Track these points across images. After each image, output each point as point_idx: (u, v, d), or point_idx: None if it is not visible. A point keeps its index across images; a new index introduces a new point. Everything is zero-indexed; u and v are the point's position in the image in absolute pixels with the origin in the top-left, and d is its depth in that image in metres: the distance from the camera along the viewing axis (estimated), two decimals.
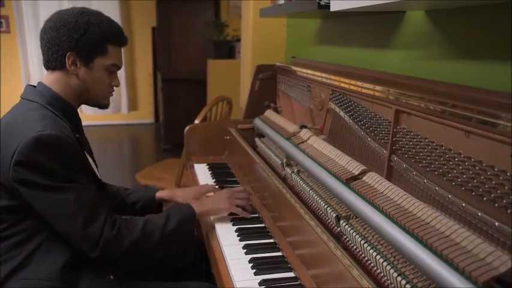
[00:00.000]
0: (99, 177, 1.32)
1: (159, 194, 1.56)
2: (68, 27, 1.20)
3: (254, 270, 1.18)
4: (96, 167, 1.42)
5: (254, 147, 1.91)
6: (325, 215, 1.20)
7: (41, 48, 1.25)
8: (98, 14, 1.26)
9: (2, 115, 1.25)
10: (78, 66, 1.23)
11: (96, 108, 1.37)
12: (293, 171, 1.47)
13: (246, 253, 1.27)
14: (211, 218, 1.46)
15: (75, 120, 1.29)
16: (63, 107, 1.23)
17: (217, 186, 1.69)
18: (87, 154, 1.29)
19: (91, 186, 1.18)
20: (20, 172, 1.08)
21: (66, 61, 1.21)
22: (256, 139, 1.96)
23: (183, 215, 1.30)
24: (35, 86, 1.27)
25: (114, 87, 1.33)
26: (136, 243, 1.19)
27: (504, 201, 0.77)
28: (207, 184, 1.66)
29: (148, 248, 1.24)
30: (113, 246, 1.16)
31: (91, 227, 1.13)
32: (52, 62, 1.23)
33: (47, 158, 1.09)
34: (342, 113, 1.42)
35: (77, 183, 1.13)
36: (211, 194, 1.54)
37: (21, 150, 1.07)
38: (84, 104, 1.31)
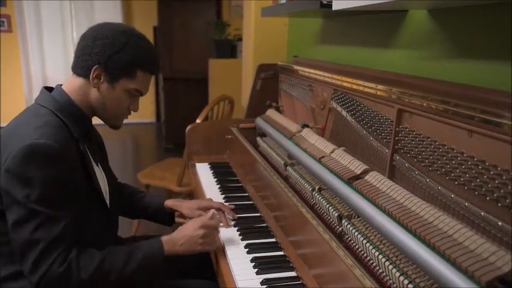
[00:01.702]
0: (102, 191, 1.27)
1: (167, 203, 1.54)
2: (104, 41, 1.18)
3: (256, 270, 1.17)
4: (110, 176, 1.40)
5: (256, 146, 1.90)
6: (327, 214, 1.20)
7: (74, 51, 1.24)
8: (140, 38, 1.24)
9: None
10: (101, 80, 1.21)
11: None
12: (295, 171, 1.46)
13: (248, 252, 1.27)
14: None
15: (86, 128, 1.26)
16: (75, 114, 1.21)
17: (223, 201, 1.63)
18: (95, 164, 1.26)
19: (63, 216, 1.08)
20: (6, 178, 1.06)
21: (91, 73, 1.19)
22: (258, 138, 1.96)
23: (147, 253, 1.18)
24: (52, 89, 1.26)
25: (132, 112, 1.31)
26: (85, 283, 1.08)
27: (507, 200, 0.76)
28: (211, 199, 1.58)
29: (105, 286, 1.13)
30: (58, 285, 1.06)
31: (40, 261, 1.05)
32: (79, 68, 1.22)
33: (34, 169, 1.05)
34: (344, 112, 1.42)
35: (52, 208, 1.06)
36: (212, 211, 1.40)
37: (12, 157, 1.05)
38: (96, 116, 1.29)
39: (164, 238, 1.23)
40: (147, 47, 1.26)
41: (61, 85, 1.25)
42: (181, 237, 1.25)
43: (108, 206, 1.31)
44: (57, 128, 1.14)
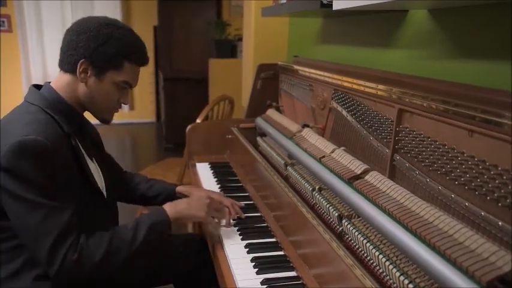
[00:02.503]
0: (98, 185, 1.28)
1: (179, 189, 1.58)
2: (88, 34, 1.18)
3: (256, 270, 1.17)
4: (108, 169, 1.40)
5: (256, 146, 1.90)
6: (327, 214, 1.20)
7: (60, 47, 1.23)
8: (125, 29, 1.23)
9: (2, 115, 1.24)
10: (88, 75, 1.20)
11: None
12: (295, 170, 1.46)
13: (248, 252, 1.27)
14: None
15: (77, 124, 1.26)
16: (65, 110, 1.21)
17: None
18: (88, 159, 1.26)
19: (65, 205, 1.10)
20: (0, 176, 1.06)
21: (78, 67, 1.19)
22: (258, 138, 1.96)
23: (153, 221, 1.22)
24: (41, 86, 1.25)
25: (122, 105, 1.31)
26: (100, 265, 1.11)
27: (508, 200, 0.76)
28: (222, 194, 1.58)
29: (117, 265, 1.16)
30: (75, 272, 1.09)
31: (54, 253, 1.07)
32: (65, 64, 1.22)
33: (26, 165, 1.05)
34: (344, 112, 1.42)
35: (51, 200, 1.07)
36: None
37: (4, 154, 1.05)
38: (87, 111, 1.29)
39: (166, 204, 1.30)
40: (133, 38, 1.25)
41: (49, 82, 1.25)
42: (186, 201, 1.34)
43: (106, 198, 1.31)
44: (47, 124, 1.14)
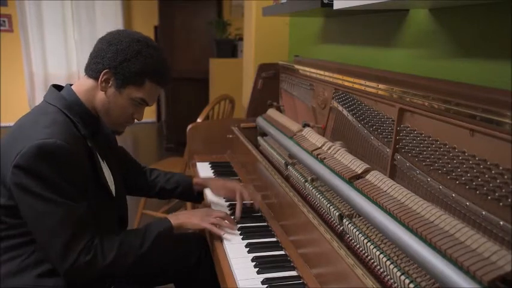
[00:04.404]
0: (110, 187, 1.30)
1: (195, 181, 1.63)
2: (118, 47, 1.20)
3: (257, 269, 1.17)
4: (117, 172, 1.41)
5: (257, 146, 1.90)
6: (328, 213, 1.20)
7: (90, 52, 1.26)
8: (154, 49, 1.25)
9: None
10: (109, 85, 1.23)
11: None
12: (296, 170, 1.46)
13: (249, 252, 1.27)
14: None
15: (94, 127, 1.28)
16: (82, 113, 1.23)
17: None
18: (102, 162, 1.28)
19: (82, 205, 1.14)
20: (17, 175, 1.07)
21: (101, 76, 1.21)
22: (259, 138, 1.96)
23: (159, 230, 1.28)
24: (61, 87, 1.28)
25: (136, 120, 1.33)
26: (109, 266, 1.16)
27: (508, 200, 0.76)
28: (236, 182, 1.62)
29: (124, 268, 1.21)
30: (85, 272, 1.13)
31: (69, 251, 1.10)
32: (90, 70, 1.24)
33: (46, 167, 1.08)
34: (345, 112, 1.41)
35: (69, 200, 1.10)
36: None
37: (22, 155, 1.07)
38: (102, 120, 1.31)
39: (169, 216, 1.35)
40: (160, 59, 1.27)
41: (71, 85, 1.28)
42: (186, 212, 1.42)
43: (115, 198, 1.33)
44: (65, 125, 1.17)
